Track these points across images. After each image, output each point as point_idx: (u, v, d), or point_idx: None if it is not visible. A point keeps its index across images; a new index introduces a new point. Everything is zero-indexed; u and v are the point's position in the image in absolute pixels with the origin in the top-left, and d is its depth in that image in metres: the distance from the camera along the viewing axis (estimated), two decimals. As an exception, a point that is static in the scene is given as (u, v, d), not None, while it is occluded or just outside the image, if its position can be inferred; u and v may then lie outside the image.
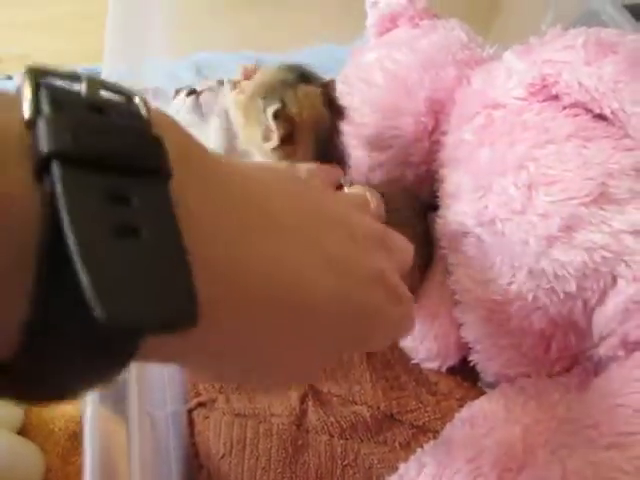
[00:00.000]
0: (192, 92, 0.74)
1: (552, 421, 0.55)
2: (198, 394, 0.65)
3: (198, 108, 0.72)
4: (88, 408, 0.34)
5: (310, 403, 0.65)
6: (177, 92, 0.90)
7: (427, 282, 0.69)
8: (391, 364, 0.70)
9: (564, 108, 0.57)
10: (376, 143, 0.74)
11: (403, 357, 0.71)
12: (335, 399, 0.66)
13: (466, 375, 0.69)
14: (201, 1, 1.01)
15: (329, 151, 0.73)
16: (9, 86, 0.93)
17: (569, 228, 0.50)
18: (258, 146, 0.68)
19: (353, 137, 0.77)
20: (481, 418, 0.57)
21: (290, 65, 0.72)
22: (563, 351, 0.57)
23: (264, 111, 0.65)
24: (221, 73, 1.02)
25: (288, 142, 0.67)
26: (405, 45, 0.72)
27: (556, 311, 0.54)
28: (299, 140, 0.68)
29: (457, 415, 0.60)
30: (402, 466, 0.57)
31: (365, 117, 0.74)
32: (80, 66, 1.11)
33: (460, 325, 0.65)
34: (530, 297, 0.54)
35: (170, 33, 0.94)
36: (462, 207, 0.62)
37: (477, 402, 0.60)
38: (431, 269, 0.70)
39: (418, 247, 0.68)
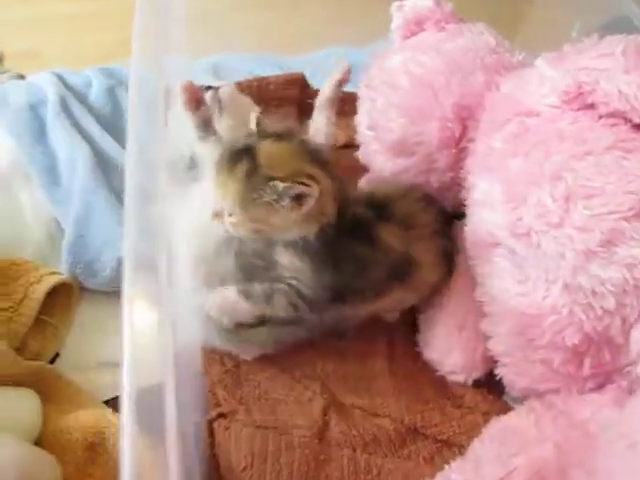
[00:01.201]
0: (209, 87, 0.71)
1: (584, 439, 0.53)
2: (218, 404, 0.63)
3: (217, 102, 0.69)
4: (124, 425, 0.33)
5: (333, 415, 0.63)
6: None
7: (452, 293, 0.68)
8: (415, 376, 0.69)
9: (600, 117, 0.56)
10: (401, 148, 0.72)
11: (427, 368, 0.69)
12: (357, 411, 0.65)
13: (491, 388, 0.67)
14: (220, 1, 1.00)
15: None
16: (22, 85, 0.92)
17: (609, 243, 0.49)
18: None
19: (376, 141, 0.76)
20: (510, 435, 0.55)
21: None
22: (596, 368, 0.56)
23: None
24: (240, 74, 1.01)
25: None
26: (431, 49, 0.71)
27: (591, 327, 0.52)
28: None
29: (485, 431, 0.58)
30: (429, 483, 0.55)
31: (390, 121, 0.72)
32: (89, 64, 1.10)
33: (487, 338, 0.63)
34: (565, 312, 0.53)
35: (190, 33, 0.92)
36: (493, 217, 0.60)
37: (505, 417, 0.58)
38: (456, 279, 0.69)
39: (441, 260, 0.69)
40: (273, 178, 0.52)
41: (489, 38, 0.71)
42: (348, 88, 1.02)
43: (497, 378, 0.64)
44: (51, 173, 0.77)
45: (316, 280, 0.57)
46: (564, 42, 0.65)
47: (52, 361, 0.66)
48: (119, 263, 0.67)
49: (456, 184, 0.72)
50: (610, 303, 0.50)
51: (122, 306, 0.45)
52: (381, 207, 0.63)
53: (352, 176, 0.87)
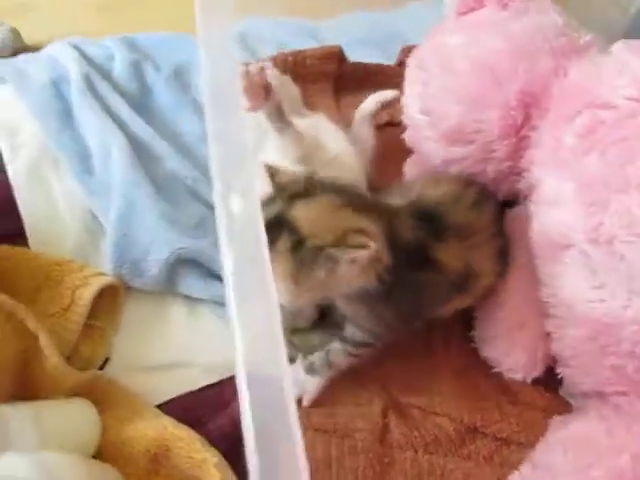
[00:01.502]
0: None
1: (661, 448, 0.53)
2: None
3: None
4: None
5: (392, 417, 0.63)
6: None
7: (511, 290, 0.66)
8: (471, 372, 0.68)
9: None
10: (456, 137, 0.68)
11: (482, 364, 0.68)
12: (416, 411, 0.64)
13: (547, 383, 0.66)
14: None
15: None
16: (40, 59, 0.85)
17: None
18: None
19: (430, 127, 0.71)
20: (583, 444, 0.54)
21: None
22: (671, 375, 0.55)
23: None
24: (270, 45, 0.95)
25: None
26: (494, 29, 0.66)
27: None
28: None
29: (551, 435, 0.58)
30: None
31: (446, 108, 0.68)
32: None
33: (552, 339, 0.62)
34: (648, 324, 0.51)
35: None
36: (566, 218, 0.57)
37: (574, 423, 0.58)
38: (514, 275, 0.66)
39: (498, 261, 0.65)
40: (322, 247, 0.47)
41: (556, 17, 0.66)
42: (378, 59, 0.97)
43: (558, 377, 0.63)
44: (83, 161, 0.73)
45: (378, 322, 0.55)
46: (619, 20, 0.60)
47: (102, 366, 0.64)
48: (167, 262, 0.64)
49: (513, 174, 0.69)
50: (701, 319, 0.48)
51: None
52: (433, 220, 0.58)
53: (396, 158, 0.84)
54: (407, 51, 0.88)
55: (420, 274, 0.55)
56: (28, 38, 1.14)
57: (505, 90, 0.64)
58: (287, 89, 0.71)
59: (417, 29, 0.99)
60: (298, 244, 0.47)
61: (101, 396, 0.60)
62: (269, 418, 0.32)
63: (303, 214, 0.48)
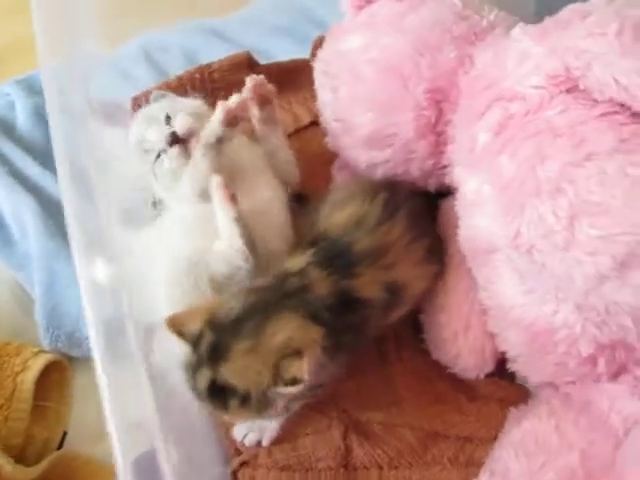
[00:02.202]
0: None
1: (607, 440, 0.54)
2: (238, 452, 0.63)
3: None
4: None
5: (353, 437, 0.63)
6: (136, 103, 0.77)
7: (451, 292, 0.64)
8: (426, 374, 0.68)
9: (595, 102, 0.50)
10: (373, 143, 0.66)
11: (436, 365, 0.68)
12: (377, 427, 0.65)
13: (503, 373, 0.67)
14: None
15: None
16: None
17: (623, 266, 0.45)
18: None
19: (345, 134, 0.69)
20: (534, 444, 0.55)
21: None
22: (611, 364, 0.55)
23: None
24: (176, 55, 0.89)
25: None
26: (392, 26, 0.61)
27: (607, 339, 0.51)
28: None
29: (505, 438, 0.58)
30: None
31: (357, 116, 0.65)
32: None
33: (495, 337, 0.61)
34: (578, 328, 0.51)
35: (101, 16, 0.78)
36: (487, 222, 0.56)
37: (526, 422, 0.58)
38: (453, 274, 0.65)
39: (427, 262, 0.61)
40: (265, 390, 0.47)
41: (454, 0, 0.62)
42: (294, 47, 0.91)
43: (509, 371, 0.64)
44: (0, 231, 0.70)
45: (328, 373, 0.54)
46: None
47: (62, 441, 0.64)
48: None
49: (438, 169, 0.67)
50: (627, 321, 0.48)
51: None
52: (343, 256, 0.55)
53: (325, 159, 0.80)
54: (319, 42, 0.84)
55: (349, 316, 0.54)
56: None
57: (413, 92, 0.61)
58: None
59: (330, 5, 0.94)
60: (245, 399, 0.47)
61: (67, 475, 0.60)
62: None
63: (231, 373, 0.47)
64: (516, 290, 0.55)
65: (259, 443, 0.62)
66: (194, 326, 0.48)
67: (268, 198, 0.60)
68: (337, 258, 0.55)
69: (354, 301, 0.54)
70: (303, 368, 0.46)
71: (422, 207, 0.66)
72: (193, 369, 0.48)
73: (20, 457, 0.59)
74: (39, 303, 0.64)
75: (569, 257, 0.48)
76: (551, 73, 0.51)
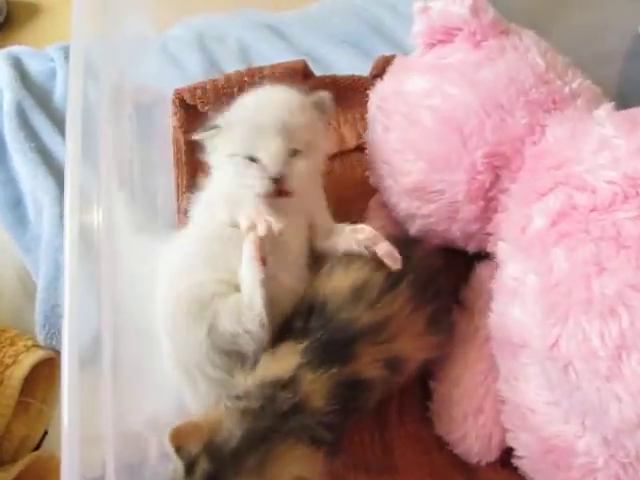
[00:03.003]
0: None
1: None
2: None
3: None
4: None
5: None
6: (178, 96, 0.72)
7: (470, 369, 0.59)
8: (425, 444, 0.64)
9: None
10: (417, 195, 0.60)
11: (438, 440, 0.64)
12: (363, 492, 0.61)
13: (505, 459, 0.62)
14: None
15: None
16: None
17: (668, 416, 0.40)
18: None
19: (388, 177, 0.63)
20: None
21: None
22: None
23: None
24: (231, 50, 0.84)
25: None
26: (462, 76, 0.55)
27: (629, 479, 0.46)
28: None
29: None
30: None
31: (406, 163, 0.59)
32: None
33: (507, 431, 0.57)
34: (601, 461, 0.46)
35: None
36: (525, 319, 0.50)
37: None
38: (473, 352, 0.60)
39: (428, 332, 0.54)
40: None
41: (537, 59, 0.55)
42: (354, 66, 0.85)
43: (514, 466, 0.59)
44: (15, 210, 0.68)
45: None
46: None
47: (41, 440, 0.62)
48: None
49: (482, 234, 0.61)
50: (658, 472, 0.43)
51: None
52: (340, 338, 0.51)
53: (363, 188, 0.75)
54: (381, 64, 0.78)
55: (355, 396, 0.50)
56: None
57: (471, 151, 0.55)
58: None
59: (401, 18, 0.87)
60: None
61: (41, 476, 0.59)
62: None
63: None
64: (540, 396, 0.51)
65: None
66: (193, 446, 0.45)
67: (298, 277, 0.55)
68: (333, 344, 0.50)
69: (354, 385, 0.50)
70: None
71: (433, 272, 0.59)
72: None
73: (-6, 453, 0.58)
74: (39, 297, 0.62)
75: (608, 389, 0.42)
76: (630, 173, 0.45)
